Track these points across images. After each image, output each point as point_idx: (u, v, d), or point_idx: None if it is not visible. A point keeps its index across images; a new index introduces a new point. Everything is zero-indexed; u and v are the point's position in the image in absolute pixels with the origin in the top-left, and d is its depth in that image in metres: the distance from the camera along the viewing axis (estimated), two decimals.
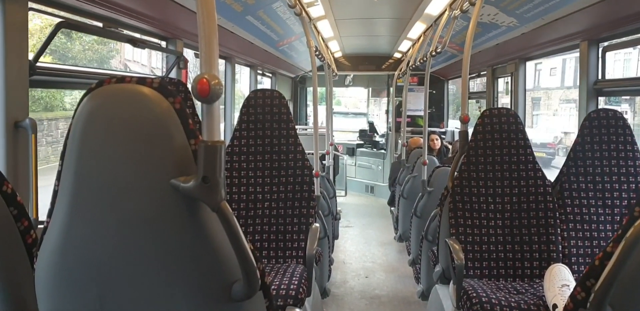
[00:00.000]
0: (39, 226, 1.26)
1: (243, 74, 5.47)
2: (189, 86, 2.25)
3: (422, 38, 4.62)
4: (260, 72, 5.74)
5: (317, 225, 2.41)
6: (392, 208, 5.66)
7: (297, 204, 2.41)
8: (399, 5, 4.16)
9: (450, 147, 5.64)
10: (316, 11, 4.08)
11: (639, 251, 0.90)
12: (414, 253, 3.80)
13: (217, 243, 0.88)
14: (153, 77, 2.43)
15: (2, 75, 1.66)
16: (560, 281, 1.96)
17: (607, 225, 2.30)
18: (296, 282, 2.08)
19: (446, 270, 2.42)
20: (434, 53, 3.64)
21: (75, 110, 0.89)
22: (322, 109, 6.90)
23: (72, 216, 0.88)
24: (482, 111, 2.50)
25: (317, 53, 4.05)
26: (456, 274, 2.11)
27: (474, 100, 5.96)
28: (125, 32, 2.54)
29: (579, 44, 3.06)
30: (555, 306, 1.82)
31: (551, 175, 2.45)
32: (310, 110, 8.25)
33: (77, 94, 3.57)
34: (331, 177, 5.36)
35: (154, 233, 0.87)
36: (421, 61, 4.53)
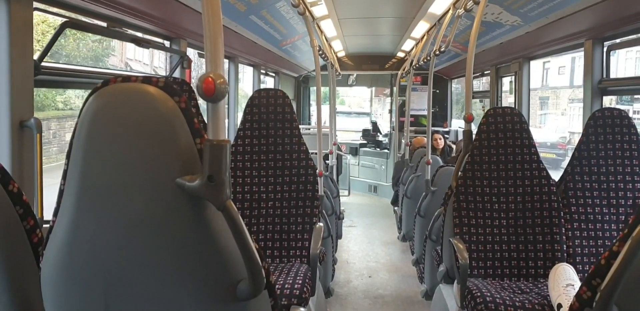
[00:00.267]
0: (44, 225, 1.26)
1: (246, 73, 5.47)
2: (193, 85, 2.27)
3: (425, 37, 4.61)
4: (263, 71, 5.74)
5: (321, 224, 2.41)
6: (396, 208, 5.66)
7: (300, 204, 2.42)
8: (403, 4, 4.16)
9: (453, 146, 5.63)
10: (319, 10, 4.08)
11: None
12: (418, 252, 3.79)
13: (223, 242, 0.89)
14: (158, 76, 2.44)
15: (8, 74, 1.66)
16: (565, 280, 1.95)
17: (612, 225, 2.29)
18: (300, 282, 2.08)
19: (450, 269, 2.42)
20: (437, 52, 3.63)
21: (81, 110, 0.89)
22: (325, 109, 6.93)
23: (78, 215, 0.89)
24: (486, 110, 2.49)
25: (320, 52, 4.05)
26: (460, 274, 2.10)
27: (478, 100, 5.95)
28: (130, 31, 2.54)
29: (583, 42, 3.05)
30: (560, 305, 1.82)
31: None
32: (313, 109, 8.24)
33: (71, 93, 3.57)
34: (334, 177, 5.36)
35: (160, 232, 0.87)
36: (424, 60, 4.52)
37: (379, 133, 8.39)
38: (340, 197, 5.10)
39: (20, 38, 1.68)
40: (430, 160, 3.91)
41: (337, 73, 6.40)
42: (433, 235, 3.02)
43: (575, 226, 2.30)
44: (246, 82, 5.55)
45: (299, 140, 2.46)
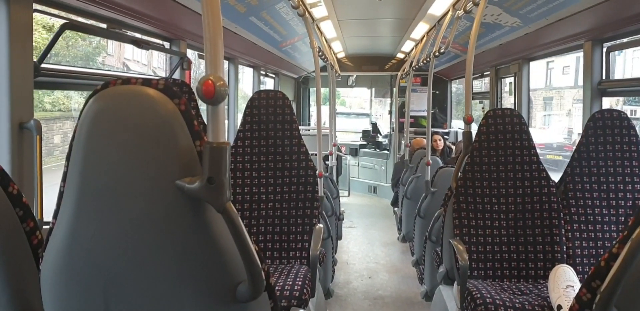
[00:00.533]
0: (44, 227, 1.26)
1: (245, 74, 5.48)
2: (193, 87, 2.27)
3: (425, 38, 4.61)
4: (263, 72, 5.74)
5: (321, 225, 2.41)
6: (396, 209, 5.66)
7: (300, 205, 2.41)
8: (402, 5, 4.16)
9: (453, 147, 5.63)
10: (319, 12, 4.08)
11: None
12: (418, 253, 3.79)
13: (222, 244, 0.89)
14: (158, 78, 2.44)
15: (7, 76, 1.66)
16: (565, 282, 1.95)
17: (612, 226, 2.29)
18: (300, 283, 2.08)
19: (450, 270, 2.42)
20: (437, 53, 3.64)
21: (81, 112, 0.89)
22: (325, 109, 6.93)
23: (77, 217, 0.89)
24: (485, 111, 2.50)
25: (320, 53, 4.05)
26: (460, 275, 2.10)
27: (478, 101, 5.95)
28: (129, 33, 2.55)
29: (582, 44, 3.05)
30: (559, 307, 1.81)
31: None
32: (313, 110, 8.25)
33: (59, 93, 3.55)
34: (334, 178, 5.36)
35: (160, 234, 0.87)
36: (424, 61, 4.52)
37: (378, 134, 8.39)
38: (340, 198, 5.10)
39: (20, 39, 1.68)
40: (430, 161, 3.91)
41: (337, 74, 6.40)
42: (433, 236, 3.02)
43: (575, 227, 2.30)
44: (246, 83, 5.56)
45: (299, 141, 2.46)
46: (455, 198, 2.34)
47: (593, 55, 2.97)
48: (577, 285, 1.92)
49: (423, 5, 3.90)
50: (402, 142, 6.35)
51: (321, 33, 4.64)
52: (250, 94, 2.77)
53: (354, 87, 8.84)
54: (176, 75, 3.11)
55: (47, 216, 1.67)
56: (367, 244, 5.16)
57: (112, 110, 0.87)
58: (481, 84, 5.90)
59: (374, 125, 8.59)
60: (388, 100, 8.70)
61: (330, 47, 5.86)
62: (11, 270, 0.99)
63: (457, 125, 7.58)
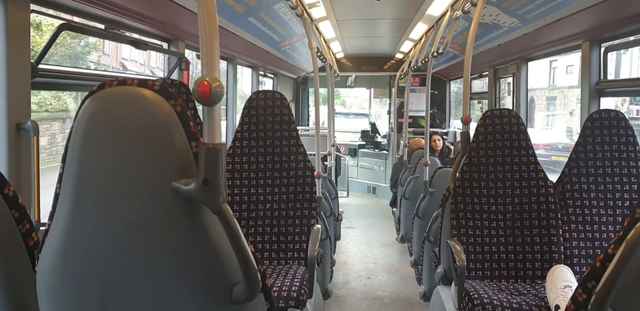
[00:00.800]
0: (42, 228, 1.26)
1: (245, 74, 5.48)
2: (191, 87, 2.26)
3: (423, 39, 4.62)
4: (262, 73, 5.74)
5: (319, 226, 2.41)
6: (394, 209, 5.66)
7: (298, 205, 2.41)
8: (401, 6, 4.16)
9: (452, 147, 5.63)
10: (318, 12, 4.08)
11: None
12: (416, 254, 3.79)
13: (218, 245, 0.89)
14: (154, 79, 2.44)
15: (5, 77, 1.66)
16: (563, 282, 1.96)
17: (609, 226, 2.30)
18: (298, 284, 2.08)
19: (448, 271, 2.42)
20: (435, 54, 3.64)
21: (77, 113, 0.89)
22: (324, 110, 6.94)
23: (73, 218, 0.89)
24: (483, 112, 2.50)
25: (318, 54, 4.05)
26: (458, 275, 2.10)
27: (476, 101, 5.95)
28: (127, 33, 2.55)
29: (580, 44, 3.05)
30: (557, 307, 1.82)
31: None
32: (312, 110, 8.25)
33: (46, 94, 3.53)
34: (333, 178, 5.36)
35: (155, 236, 0.87)
36: (423, 62, 4.52)
37: (377, 135, 8.39)
38: (339, 198, 5.10)
39: (18, 40, 1.68)
40: (429, 162, 3.91)
41: (336, 74, 6.40)
42: (431, 236, 3.02)
43: (572, 227, 2.31)
44: (245, 83, 5.56)
45: (297, 141, 2.46)
46: (453, 199, 2.35)
47: (591, 55, 2.98)
48: (575, 285, 1.92)
49: (421, 6, 3.91)
50: (401, 142, 6.35)
51: (320, 33, 4.64)
52: (249, 94, 2.77)
53: (353, 88, 8.83)
54: (174, 76, 3.11)
55: (45, 217, 1.67)
56: (365, 244, 5.16)
57: (107, 112, 0.87)
58: (482, 84, 5.90)
59: (373, 125, 8.59)
60: (387, 100, 8.70)
61: (329, 48, 5.86)
62: (7, 271, 0.98)
63: (456, 125, 7.58)
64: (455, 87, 7.63)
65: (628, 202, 2.30)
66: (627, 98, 5.07)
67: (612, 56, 3.01)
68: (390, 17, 4.71)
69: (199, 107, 2.24)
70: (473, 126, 2.77)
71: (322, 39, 4.76)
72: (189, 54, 3.46)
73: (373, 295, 3.69)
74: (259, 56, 4.93)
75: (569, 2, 2.61)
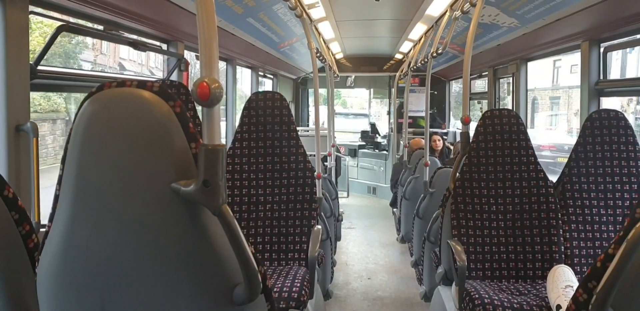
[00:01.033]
0: (42, 229, 1.26)
1: (244, 74, 5.48)
2: (190, 88, 2.26)
3: (423, 39, 4.62)
4: (261, 73, 5.74)
5: (319, 226, 2.41)
6: (394, 210, 5.66)
7: (299, 206, 2.41)
8: (400, 6, 4.17)
9: (452, 147, 5.63)
10: (317, 13, 4.08)
11: None
12: (417, 254, 3.79)
13: (218, 246, 0.88)
14: (153, 80, 2.44)
15: (4, 78, 1.66)
16: (564, 282, 1.95)
17: (610, 226, 2.29)
18: (298, 284, 2.07)
19: (448, 271, 2.42)
20: (435, 54, 3.64)
21: (76, 115, 0.89)
22: (323, 110, 6.94)
23: (73, 220, 0.88)
24: (483, 112, 2.50)
25: (318, 54, 4.05)
26: (458, 275, 2.10)
27: (476, 101, 5.95)
28: (126, 34, 2.55)
29: (580, 44, 3.05)
30: (559, 307, 1.82)
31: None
32: (312, 111, 8.25)
33: (34, 94, 3.50)
34: (333, 179, 5.35)
35: (155, 237, 0.87)
36: (422, 62, 4.52)
37: (377, 135, 8.39)
38: (339, 199, 5.10)
39: (16, 42, 1.68)
40: (429, 162, 3.91)
41: (335, 75, 6.40)
42: (431, 236, 3.02)
43: (573, 227, 2.30)
44: (245, 84, 5.56)
45: (297, 142, 2.46)
46: (453, 199, 2.34)
47: (590, 55, 2.98)
48: (576, 285, 1.92)
49: (421, 6, 3.91)
50: (401, 142, 6.35)
51: (319, 34, 4.64)
52: (249, 95, 2.77)
53: (352, 88, 8.83)
54: (174, 77, 3.11)
55: (45, 219, 1.67)
56: (366, 245, 5.16)
57: (107, 113, 0.87)
58: (484, 84, 5.90)
59: (373, 125, 8.59)
60: (387, 100, 8.71)
61: (328, 48, 5.86)
62: (7, 273, 0.98)
63: (456, 125, 7.59)
64: (457, 87, 7.62)
65: (628, 202, 2.30)
66: (634, 98, 5.05)
67: (617, 55, 3.00)
68: (389, 17, 4.71)
69: (198, 108, 2.24)
70: (473, 126, 2.77)
71: (321, 39, 4.76)
72: (188, 55, 3.47)
73: (374, 295, 3.69)
74: (258, 57, 4.93)
75: (568, 2, 2.61)
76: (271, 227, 2.40)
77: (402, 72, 6.61)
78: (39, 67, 1.83)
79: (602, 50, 2.99)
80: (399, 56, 7.30)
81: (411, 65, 5.25)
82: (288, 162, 2.44)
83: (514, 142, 2.36)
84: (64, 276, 0.91)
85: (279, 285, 2.06)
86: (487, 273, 2.28)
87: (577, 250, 2.28)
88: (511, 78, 4.42)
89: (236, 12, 3.17)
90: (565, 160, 2.42)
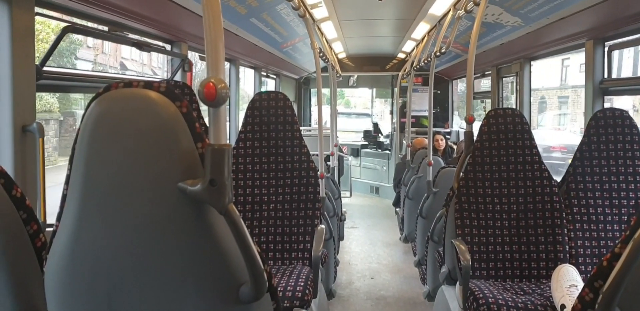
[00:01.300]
0: (47, 229, 1.27)
1: (246, 74, 5.49)
2: (194, 89, 2.27)
3: (426, 38, 4.61)
4: (264, 73, 5.75)
5: (323, 226, 2.41)
6: (397, 209, 5.65)
7: (302, 206, 2.42)
8: (403, 5, 4.16)
9: (455, 147, 5.62)
10: (320, 13, 4.08)
11: None
12: (420, 254, 3.79)
13: (225, 245, 0.89)
14: (160, 80, 2.45)
15: (10, 79, 1.67)
16: (568, 281, 1.95)
17: (615, 225, 2.29)
18: (302, 284, 2.08)
19: (452, 270, 2.42)
20: (438, 53, 3.64)
21: (83, 115, 0.89)
22: (326, 110, 6.94)
23: (81, 219, 0.89)
24: (487, 111, 2.50)
25: (321, 54, 4.05)
26: (462, 275, 2.10)
27: (479, 100, 5.95)
28: (131, 35, 2.55)
29: (584, 43, 3.05)
30: (563, 306, 1.81)
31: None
32: (314, 111, 8.25)
33: None
34: (336, 178, 5.35)
35: (162, 236, 0.88)
36: (425, 61, 4.52)
37: (380, 134, 8.39)
38: (342, 199, 5.10)
39: (22, 43, 1.69)
40: (432, 161, 3.91)
41: (338, 75, 6.40)
42: (435, 236, 3.02)
43: (577, 227, 2.30)
44: (247, 84, 5.57)
45: (300, 142, 2.46)
46: (457, 198, 2.34)
47: (595, 54, 2.97)
48: (581, 285, 1.92)
49: (424, 6, 3.90)
50: (404, 142, 6.34)
51: (322, 34, 4.64)
52: (252, 95, 2.79)
53: (355, 88, 8.83)
54: (178, 77, 3.11)
55: (50, 218, 1.68)
56: (369, 244, 5.16)
57: (114, 113, 0.87)
58: (489, 83, 5.89)
59: (375, 125, 8.59)
60: (390, 100, 8.70)
61: (331, 48, 5.86)
62: (15, 272, 0.99)
63: (459, 125, 7.58)
64: (463, 86, 7.59)
65: (633, 201, 2.30)
66: None
67: (629, 53, 2.98)
68: (392, 17, 4.71)
69: (202, 108, 2.24)
70: (477, 126, 2.77)
71: (324, 39, 4.76)
72: (190, 55, 3.48)
73: (377, 294, 3.69)
74: (261, 57, 4.94)
75: (572, 1, 2.61)
76: (274, 226, 2.40)
77: (404, 71, 6.61)
78: (45, 68, 1.84)
79: (606, 49, 2.98)
80: (401, 55, 7.29)
81: (414, 65, 5.24)
82: (291, 162, 2.44)
83: (518, 141, 2.36)
84: (71, 275, 0.92)
85: (283, 284, 2.07)
86: (491, 273, 2.28)
87: (581, 250, 2.28)
88: (515, 78, 4.41)
89: (240, 12, 3.17)
90: None
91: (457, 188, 2.37)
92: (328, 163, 4.94)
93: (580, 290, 1.06)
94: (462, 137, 5.60)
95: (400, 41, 6.10)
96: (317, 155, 3.04)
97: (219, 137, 0.85)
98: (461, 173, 2.41)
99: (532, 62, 4.18)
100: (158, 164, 0.86)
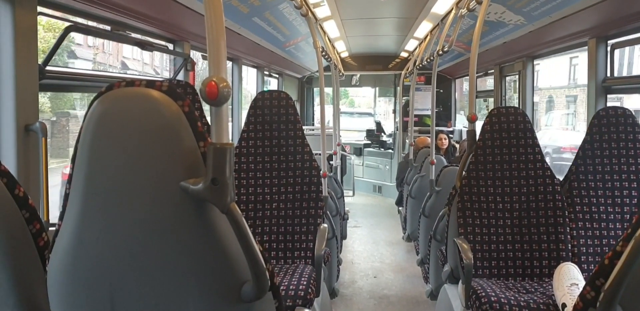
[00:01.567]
0: (50, 228, 1.27)
1: (250, 74, 5.49)
2: (197, 88, 2.28)
3: (428, 37, 4.61)
4: (267, 73, 5.75)
5: (325, 225, 2.42)
6: (400, 208, 5.65)
7: (305, 205, 2.42)
8: (405, 4, 4.16)
9: (457, 146, 5.62)
10: (322, 12, 4.09)
11: None
12: (423, 252, 3.79)
13: (227, 244, 0.89)
14: (162, 80, 2.45)
15: (13, 79, 1.68)
16: (570, 280, 1.95)
17: (617, 224, 2.29)
18: (305, 283, 2.08)
19: (455, 269, 2.42)
20: (440, 52, 3.63)
21: (86, 114, 0.90)
22: (329, 109, 6.93)
23: (83, 219, 0.90)
24: (489, 110, 2.49)
25: (323, 53, 4.06)
26: (465, 273, 2.10)
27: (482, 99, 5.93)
28: (133, 34, 2.56)
29: (587, 41, 3.04)
30: (564, 305, 1.81)
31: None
32: (317, 110, 8.26)
33: None
34: (339, 177, 5.36)
35: (164, 235, 0.88)
36: (428, 60, 4.52)
37: (383, 134, 8.38)
38: (345, 198, 5.10)
39: (25, 42, 1.70)
40: (435, 160, 3.90)
41: (341, 74, 6.40)
42: (438, 235, 3.02)
43: (580, 225, 2.30)
44: (250, 83, 5.57)
45: (303, 141, 2.46)
46: (460, 197, 2.34)
47: (597, 52, 2.96)
48: (582, 283, 1.92)
49: (426, 4, 3.90)
50: (407, 141, 6.34)
51: (324, 33, 4.64)
52: (255, 94, 2.80)
53: (357, 87, 8.83)
54: (180, 76, 3.12)
55: (53, 217, 1.69)
56: (371, 243, 5.16)
57: (116, 113, 0.88)
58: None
59: (378, 124, 8.59)
60: (393, 99, 8.70)
61: (333, 47, 5.86)
62: (18, 271, 1.00)
63: (462, 123, 7.56)
64: (467, 85, 7.57)
65: (636, 199, 2.29)
66: None
67: None
68: (395, 15, 4.70)
69: (205, 108, 2.25)
70: (479, 124, 2.76)
71: (326, 38, 4.76)
72: (192, 54, 3.48)
73: (380, 293, 3.69)
74: (263, 56, 4.94)
75: (574, 0, 2.61)
76: (277, 225, 2.41)
77: (407, 70, 6.60)
78: (47, 68, 1.84)
79: (609, 47, 2.97)
80: (404, 54, 7.28)
81: (417, 64, 5.24)
82: (294, 161, 2.45)
83: (520, 140, 2.35)
84: (74, 274, 0.92)
85: (286, 283, 2.07)
86: (494, 271, 2.28)
87: (584, 248, 2.27)
88: (517, 76, 4.40)
89: (242, 11, 3.17)
90: None
91: (459, 187, 2.37)
92: (331, 162, 4.94)
93: (581, 289, 1.06)
94: (464, 136, 5.59)
95: (402, 40, 6.09)
96: (320, 154, 3.04)
97: (221, 136, 0.85)
98: (464, 172, 2.40)
99: (539, 61, 4.17)
100: (160, 163, 0.86)
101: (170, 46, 3.07)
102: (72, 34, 1.98)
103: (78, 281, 0.92)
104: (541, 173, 2.34)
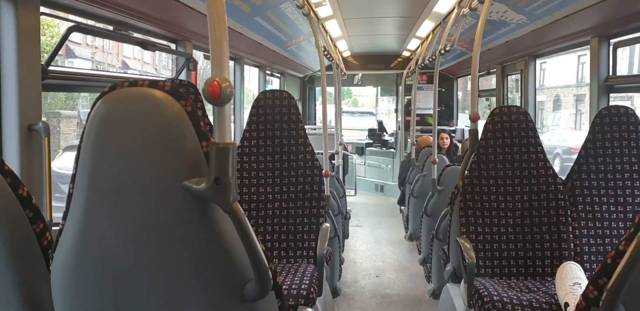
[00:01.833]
0: (54, 228, 1.28)
1: (252, 73, 5.49)
2: (199, 88, 2.28)
3: (430, 36, 4.60)
4: (269, 72, 5.76)
5: (328, 224, 2.42)
6: (402, 207, 5.65)
7: (307, 204, 2.42)
8: (408, 3, 4.16)
9: (460, 145, 5.61)
10: (324, 11, 4.09)
11: None
12: (425, 252, 3.79)
13: (229, 243, 0.89)
14: (165, 80, 2.46)
15: (16, 79, 1.69)
16: (572, 279, 1.95)
17: (619, 223, 2.28)
18: (307, 282, 2.09)
19: (457, 268, 2.42)
20: (442, 51, 3.63)
21: (89, 114, 0.90)
22: (331, 109, 6.93)
23: (86, 218, 0.90)
24: (492, 109, 2.49)
25: (325, 53, 4.05)
26: (467, 273, 2.10)
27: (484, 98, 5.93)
28: (136, 34, 2.57)
29: (589, 40, 3.03)
30: (567, 304, 1.81)
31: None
32: (319, 109, 8.25)
33: None
34: (341, 177, 5.36)
35: (167, 235, 0.89)
36: (430, 59, 4.51)
37: (384, 133, 8.38)
38: (347, 197, 5.10)
39: (28, 43, 1.70)
40: (437, 160, 3.90)
41: (343, 73, 6.40)
42: (440, 234, 3.02)
43: (582, 224, 2.29)
44: (251, 82, 5.57)
45: (305, 140, 2.46)
46: (462, 196, 2.34)
47: (600, 51, 2.96)
48: (584, 282, 1.91)
49: (428, 3, 3.90)
50: (409, 140, 6.34)
51: (326, 32, 4.64)
52: (257, 94, 2.81)
53: (359, 86, 8.83)
54: (182, 76, 3.12)
55: (57, 217, 1.69)
56: (374, 243, 5.16)
57: (119, 113, 0.88)
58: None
59: (380, 123, 8.59)
60: (395, 98, 8.69)
61: (335, 46, 5.86)
62: (22, 270, 1.00)
63: (464, 123, 7.56)
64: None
65: (638, 198, 2.29)
66: None
67: None
68: (396, 15, 4.70)
69: (208, 107, 2.25)
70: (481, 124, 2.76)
71: (328, 37, 4.76)
72: (195, 54, 3.48)
73: (382, 293, 3.70)
74: (265, 56, 4.95)
75: None
76: (279, 224, 2.41)
77: (409, 69, 6.60)
78: (50, 68, 1.85)
79: (611, 46, 2.96)
80: (406, 54, 7.28)
81: (419, 63, 5.24)
82: (296, 160, 2.45)
83: (522, 139, 2.35)
84: (77, 273, 0.93)
85: (288, 283, 2.08)
86: (496, 271, 2.28)
87: (586, 247, 2.27)
88: (519, 75, 4.40)
89: (244, 11, 3.18)
90: None
91: (461, 186, 2.37)
92: (333, 161, 4.94)
93: (583, 288, 1.06)
94: (467, 135, 5.58)
95: (404, 39, 6.08)
96: (322, 153, 3.04)
97: (224, 135, 0.85)
98: (466, 171, 2.40)
99: (545, 59, 4.17)
100: (163, 163, 0.87)
101: (173, 46, 3.08)
102: (72, 34, 1.99)
103: (82, 281, 0.93)
104: (543, 173, 2.33)
